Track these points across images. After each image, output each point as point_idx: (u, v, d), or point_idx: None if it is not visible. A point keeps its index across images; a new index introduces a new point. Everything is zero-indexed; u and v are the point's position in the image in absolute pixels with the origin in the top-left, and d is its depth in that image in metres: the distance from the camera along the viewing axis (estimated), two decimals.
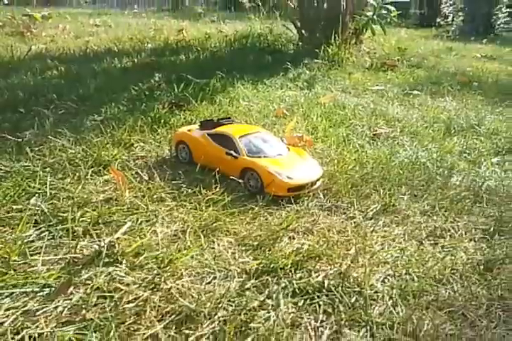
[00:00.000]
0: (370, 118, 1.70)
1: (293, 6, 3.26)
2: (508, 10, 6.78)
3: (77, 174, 1.06)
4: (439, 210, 0.98)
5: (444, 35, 6.16)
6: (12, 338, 0.57)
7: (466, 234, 0.89)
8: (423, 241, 0.85)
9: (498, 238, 0.88)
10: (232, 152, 1.05)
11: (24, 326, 0.59)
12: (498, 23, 6.81)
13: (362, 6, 3.30)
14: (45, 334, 0.58)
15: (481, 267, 0.77)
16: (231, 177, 1.03)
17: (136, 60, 2.52)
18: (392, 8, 3.32)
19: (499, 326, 0.64)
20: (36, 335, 0.58)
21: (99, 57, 2.60)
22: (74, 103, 1.68)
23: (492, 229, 0.91)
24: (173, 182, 1.05)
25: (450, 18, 7.83)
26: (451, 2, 7.90)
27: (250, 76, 2.23)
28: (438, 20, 7.93)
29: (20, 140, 1.29)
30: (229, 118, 1.23)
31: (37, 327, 0.59)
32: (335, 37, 2.89)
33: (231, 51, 3.07)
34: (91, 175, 1.07)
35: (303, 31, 3.16)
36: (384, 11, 3.30)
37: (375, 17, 3.21)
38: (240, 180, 1.02)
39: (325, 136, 1.44)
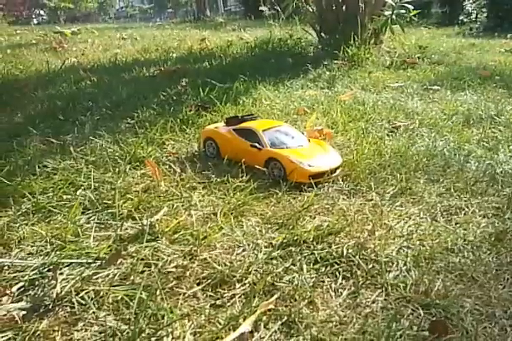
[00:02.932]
0: (389, 113, 1.75)
1: (312, 10, 3.34)
2: None
3: (117, 169, 1.17)
4: (454, 192, 1.03)
5: (467, 32, 6.12)
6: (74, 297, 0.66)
7: (479, 211, 0.94)
8: (437, 218, 0.91)
9: (510, 214, 0.92)
10: (256, 144, 1.14)
11: (82, 289, 0.68)
12: None
13: (380, 7, 3.34)
14: (101, 294, 0.67)
15: (492, 238, 0.83)
16: (256, 166, 1.11)
17: (162, 68, 2.65)
18: (411, 7, 3.35)
19: (506, 287, 0.70)
20: (93, 295, 0.67)
21: (128, 67, 2.76)
22: (108, 109, 1.81)
23: (505, 206, 0.96)
24: (203, 173, 1.14)
25: (474, 15, 7.73)
26: None
27: (272, 78, 2.32)
28: (461, 17, 7.83)
29: (62, 142, 1.42)
30: (252, 114, 1.32)
31: (93, 289, 0.68)
32: (354, 38, 2.95)
33: (252, 56, 3.17)
34: (129, 170, 1.18)
35: (322, 34, 3.24)
36: (402, 11, 3.34)
37: (393, 17, 3.25)
38: (264, 169, 1.10)
39: (344, 130, 1.50)
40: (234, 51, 3.39)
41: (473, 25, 6.96)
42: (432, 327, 0.60)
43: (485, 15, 7.00)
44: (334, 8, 3.12)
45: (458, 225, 0.88)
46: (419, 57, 3.12)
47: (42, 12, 13.93)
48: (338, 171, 1.12)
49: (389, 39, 3.47)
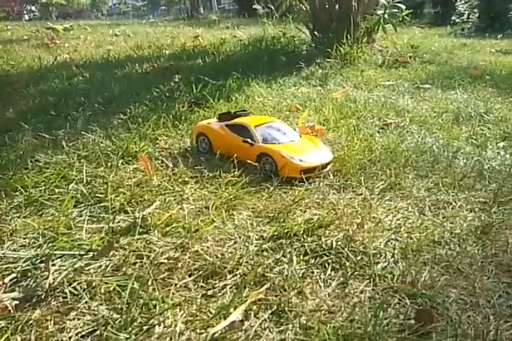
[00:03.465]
0: (380, 110, 1.77)
1: (305, 9, 3.36)
2: None
3: (110, 163, 1.17)
4: (442, 187, 1.05)
5: (458, 32, 6.17)
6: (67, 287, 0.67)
7: (466, 205, 0.96)
8: (425, 212, 0.93)
9: (497, 208, 0.94)
10: (248, 140, 1.15)
11: (75, 279, 0.69)
12: None
13: (373, 6, 3.36)
14: (93, 284, 0.68)
15: (478, 231, 0.85)
16: (248, 161, 1.12)
17: (155, 65, 2.65)
18: (403, 7, 3.37)
19: (491, 278, 0.72)
20: (85, 286, 0.68)
21: (121, 64, 2.75)
22: (101, 105, 1.81)
23: (491, 201, 0.98)
24: (196, 168, 1.15)
25: (465, 16, 7.79)
26: None
27: (265, 76, 2.34)
28: (453, 18, 7.88)
29: (54, 137, 1.42)
30: (245, 110, 1.33)
31: (85, 280, 0.69)
32: (347, 37, 2.96)
33: (246, 54, 3.18)
34: (122, 164, 1.18)
35: (315, 32, 3.25)
36: (395, 10, 3.36)
37: (386, 16, 3.27)
38: (256, 163, 1.11)
39: (336, 127, 1.52)
40: (227, 49, 3.39)
41: (465, 25, 7.01)
42: (418, 315, 0.61)
43: (477, 15, 7.06)
44: (327, 6, 3.14)
45: (445, 219, 0.90)
46: (410, 57, 3.15)
47: (33, 8, 13.81)
48: (329, 166, 1.13)
49: (381, 38, 3.50)
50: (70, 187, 1.03)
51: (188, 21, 7.57)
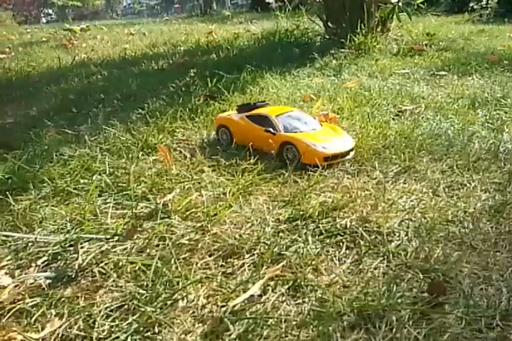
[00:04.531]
0: (395, 98, 1.77)
1: (318, 0, 3.35)
2: None
3: (130, 155, 1.22)
4: (457, 169, 1.06)
5: (477, 19, 6.04)
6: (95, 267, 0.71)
7: (481, 186, 0.97)
8: (439, 194, 0.94)
9: (511, 189, 0.95)
10: (270, 129, 1.16)
11: (102, 260, 0.73)
12: None
13: None
14: (120, 264, 0.72)
15: (492, 210, 0.86)
16: (271, 151, 1.14)
17: (171, 61, 2.70)
18: None
19: (504, 253, 0.73)
20: (112, 266, 0.72)
21: (137, 61, 2.81)
22: (119, 101, 1.86)
23: (506, 182, 0.98)
24: (213, 157, 1.19)
25: (484, 1, 7.60)
26: None
27: (278, 68, 2.35)
28: (471, 4, 7.71)
29: (77, 132, 1.47)
30: (264, 101, 1.35)
31: (112, 261, 0.73)
32: (361, 26, 2.95)
33: (259, 47, 3.20)
34: (142, 156, 1.23)
35: (329, 23, 3.24)
36: None
37: (400, 4, 3.24)
38: (272, 151, 1.13)
39: (350, 115, 1.53)
40: (241, 43, 3.41)
41: (484, 11, 6.84)
42: (431, 288, 0.63)
43: (496, 0, 6.88)
44: None
45: (459, 199, 0.91)
46: (426, 44, 3.11)
47: (50, 11, 14.07)
48: (351, 153, 1.14)
49: (396, 27, 3.46)
50: (94, 177, 1.08)
51: (201, 18, 7.61)
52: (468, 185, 0.98)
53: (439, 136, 1.27)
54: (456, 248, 0.74)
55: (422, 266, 0.69)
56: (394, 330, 0.57)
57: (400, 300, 0.62)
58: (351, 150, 1.14)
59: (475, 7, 7.46)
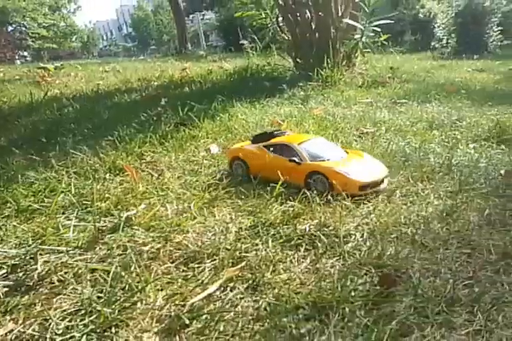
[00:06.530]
0: (358, 122, 1.86)
1: (287, 38, 3.54)
2: (499, 28, 7.05)
3: (97, 176, 1.23)
4: (412, 180, 1.11)
5: (438, 56, 6.43)
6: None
7: (434, 194, 1.02)
8: (395, 201, 0.99)
9: (462, 195, 1.00)
10: (294, 159, 1.08)
11: (62, 269, 0.73)
12: (491, 40, 7.07)
13: (351, 31, 3.53)
14: (79, 272, 0.72)
15: (444, 213, 0.90)
16: (297, 183, 1.05)
17: (143, 94, 2.76)
18: (378, 29, 3.54)
19: (453, 250, 0.77)
20: (72, 275, 0.72)
21: (110, 95, 2.86)
22: (90, 130, 1.88)
23: (457, 190, 1.03)
24: (180, 177, 1.21)
25: (444, 41, 8.11)
26: (443, 25, 8.20)
27: (248, 98, 2.44)
28: (433, 43, 8.22)
29: (45, 158, 1.47)
30: (279, 129, 1.28)
31: (72, 271, 0.73)
32: (327, 61, 3.11)
33: (231, 81, 3.31)
34: (109, 177, 1.24)
35: (297, 59, 3.41)
36: (371, 34, 3.53)
37: (363, 40, 3.44)
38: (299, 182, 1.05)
39: None
40: (214, 78, 3.53)
41: (445, 49, 7.31)
42: (381, 279, 0.65)
43: (455, 40, 7.36)
44: (308, 35, 3.30)
45: (413, 204, 0.96)
46: (389, 77, 3.29)
47: (26, 53, 14.26)
48: (385, 181, 1.06)
49: (362, 62, 3.65)
50: (59, 198, 1.08)
51: (176, 57, 7.84)
52: (422, 193, 1.03)
53: (397, 152, 1.34)
54: (408, 246, 0.78)
55: (375, 262, 0.72)
56: (346, 319, 0.59)
57: (353, 293, 0.64)
58: (386, 177, 1.07)
59: (436, 46, 7.98)
